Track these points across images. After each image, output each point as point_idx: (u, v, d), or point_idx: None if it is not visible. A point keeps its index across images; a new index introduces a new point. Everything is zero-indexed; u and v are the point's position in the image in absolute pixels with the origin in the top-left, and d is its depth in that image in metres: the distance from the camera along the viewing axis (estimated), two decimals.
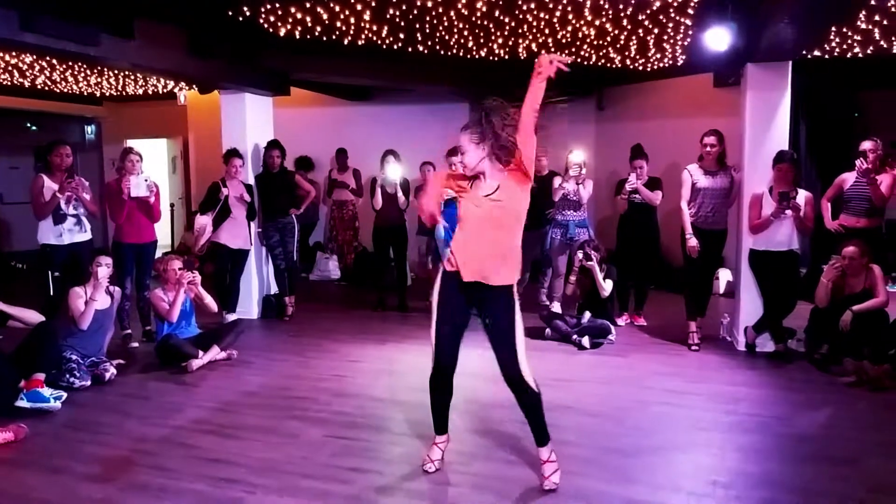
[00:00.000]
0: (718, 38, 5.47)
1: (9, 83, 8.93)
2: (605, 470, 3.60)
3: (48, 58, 7.44)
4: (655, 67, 7.97)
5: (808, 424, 4.32)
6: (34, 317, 4.88)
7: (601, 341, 6.07)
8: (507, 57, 7.51)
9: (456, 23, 6.23)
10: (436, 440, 3.63)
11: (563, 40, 6.74)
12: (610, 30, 6.33)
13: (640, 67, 7.98)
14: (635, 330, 6.70)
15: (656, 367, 5.46)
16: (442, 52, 7.34)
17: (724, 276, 7.95)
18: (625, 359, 5.73)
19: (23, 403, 4.45)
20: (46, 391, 4.57)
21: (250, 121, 7.46)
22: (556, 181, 7.09)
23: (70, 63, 7.92)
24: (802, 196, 5.56)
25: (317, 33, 6.50)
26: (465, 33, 6.60)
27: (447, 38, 6.75)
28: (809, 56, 6.60)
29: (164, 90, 10.18)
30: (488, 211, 3.23)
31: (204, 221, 6.80)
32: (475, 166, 3.28)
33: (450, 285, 3.33)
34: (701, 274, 6.08)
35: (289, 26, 6.30)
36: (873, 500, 3.30)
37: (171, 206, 11.78)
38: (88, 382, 4.99)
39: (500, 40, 6.85)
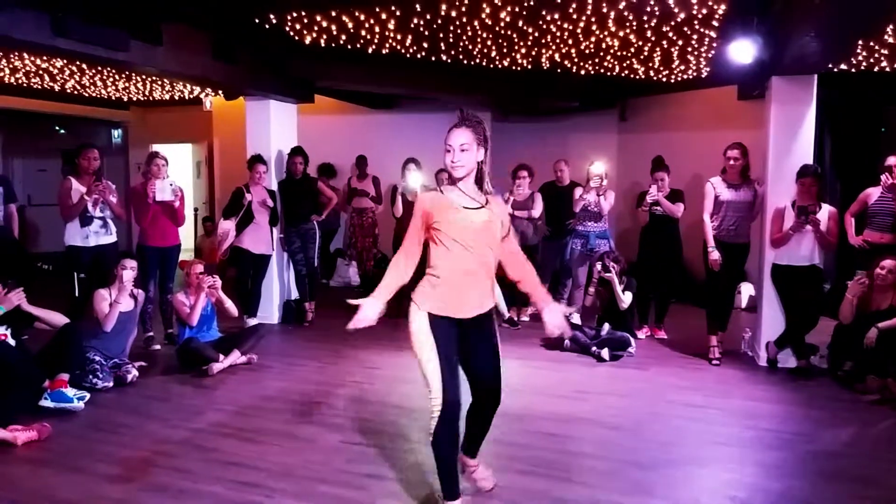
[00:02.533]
0: (743, 51, 5.44)
1: (39, 87, 9.09)
2: (623, 483, 3.58)
3: (78, 62, 7.56)
4: (679, 79, 7.94)
5: (829, 442, 4.26)
6: (59, 319, 4.96)
7: (621, 354, 6.04)
8: (529, 67, 7.52)
9: (479, 32, 6.25)
10: (469, 463, 3.40)
11: (587, 51, 6.74)
12: (634, 41, 6.33)
13: (664, 79, 7.96)
14: (655, 343, 6.66)
15: (676, 381, 5.42)
16: (465, 62, 7.37)
17: (747, 290, 7.88)
18: (644, 372, 5.69)
19: (47, 403, 4.52)
20: (70, 391, 4.64)
21: (274, 127, 7.54)
22: (577, 192, 7.08)
23: (99, 68, 8.04)
24: (826, 211, 5.51)
25: (342, 42, 6.56)
26: (489, 43, 6.62)
27: (470, 47, 6.78)
28: (835, 70, 6.54)
29: (191, 96, 10.30)
30: (479, 226, 2.97)
31: (227, 226, 6.87)
32: (470, 170, 2.99)
33: (441, 321, 3.00)
34: (723, 288, 6.03)
35: (314, 34, 6.35)
36: None
37: (196, 210, 11.91)
38: (111, 384, 5.06)
39: (523, 50, 6.86)
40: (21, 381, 4.42)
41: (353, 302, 3.05)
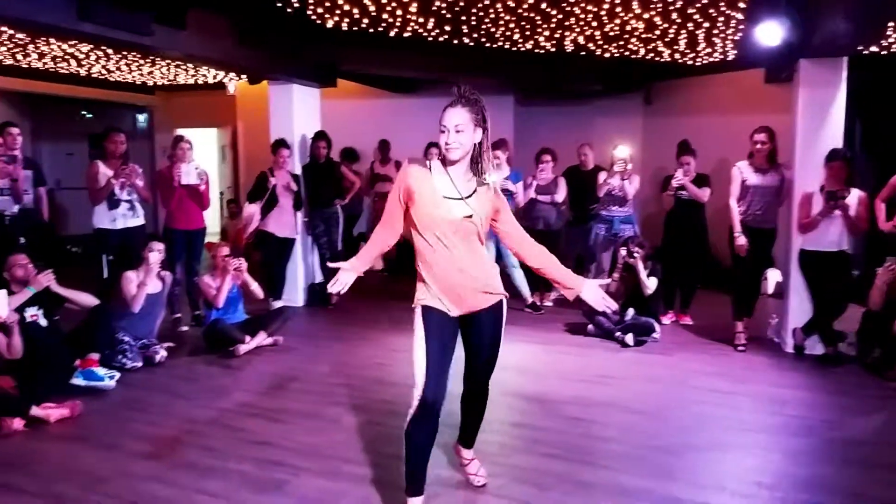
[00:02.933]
0: (771, 33, 5.35)
1: (66, 72, 9.18)
2: (647, 467, 3.58)
3: (103, 47, 7.62)
4: (705, 62, 7.83)
5: (857, 429, 4.22)
6: (89, 299, 5.06)
7: (645, 339, 6.01)
8: (553, 50, 7.46)
9: (502, 15, 6.21)
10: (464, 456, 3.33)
11: (611, 33, 6.67)
12: (659, 23, 6.25)
13: (690, 62, 7.85)
14: (680, 329, 6.62)
15: (701, 367, 5.39)
16: (487, 45, 7.33)
17: (773, 276, 7.78)
18: (669, 357, 5.67)
19: (78, 381, 4.62)
20: (101, 370, 4.73)
21: (298, 111, 7.56)
22: (602, 176, 7.04)
23: (124, 52, 8.10)
24: (855, 196, 5.42)
25: (363, 25, 6.55)
26: (512, 26, 6.58)
27: (493, 30, 6.74)
28: (866, 52, 6.41)
29: (215, 80, 10.34)
30: (465, 216, 2.79)
31: (252, 210, 6.93)
32: (466, 151, 2.79)
33: (434, 314, 2.88)
34: (749, 273, 5.97)
35: (336, 18, 6.35)
36: None
37: (221, 194, 11.99)
38: (140, 364, 5.15)
39: (546, 33, 6.80)
40: (52, 361, 4.51)
41: (333, 265, 3.00)
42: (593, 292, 2.93)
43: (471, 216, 2.79)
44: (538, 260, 3.02)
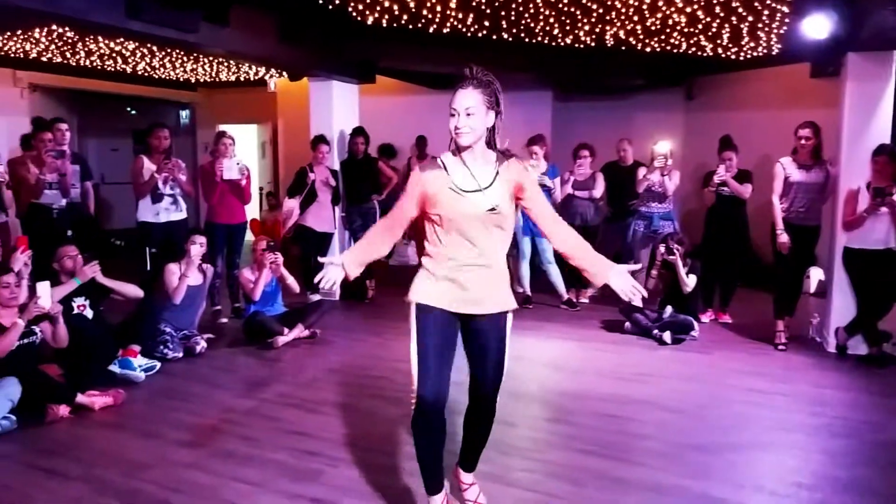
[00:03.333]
0: (817, 26, 5.24)
1: (112, 69, 9.40)
2: (684, 466, 3.55)
3: (149, 44, 7.79)
4: (749, 56, 7.68)
5: None
6: (134, 291, 5.21)
7: (683, 337, 5.94)
8: (593, 44, 7.39)
9: (542, 9, 6.17)
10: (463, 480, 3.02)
11: (653, 27, 6.58)
12: (702, 17, 6.15)
13: (733, 56, 7.71)
14: (719, 327, 6.52)
15: (740, 366, 5.31)
16: (527, 40, 7.29)
17: (816, 274, 7.64)
18: (707, 356, 5.59)
19: (114, 368, 4.73)
20: (137, 361, 4.85)
21: (337, 108, 7.64)
22: (641, 172, 6.97)
23: (168, 50, 8.27)
24: None
25: (403, 21, 6.56)
26: (551, 20, 6.53)
27: (532, 24, 6.70)
28: None
29: (255, 77, 10.50)
30: (484, 207, 2.57)
31: (292, 205, 7.02)
32: (479, 136, 2.60)
33: (431, 312, 2.68)
34: (791, 271, 5.87)
35: (376, 14, 6.38)
36: None
37: (260, 189, 12.16)
38: (181, 354, 5.25)
39: (586, 27, 6.74)
40: (97, 350, 4.63)
41: (322, 260, 2.85)
42: (621, 279, 2.64)
43: (495, 208, 2.59)
44: (566, 244, 2.74)
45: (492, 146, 2.65)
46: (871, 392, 4.78)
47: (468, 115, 2.55)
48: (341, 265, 2.76)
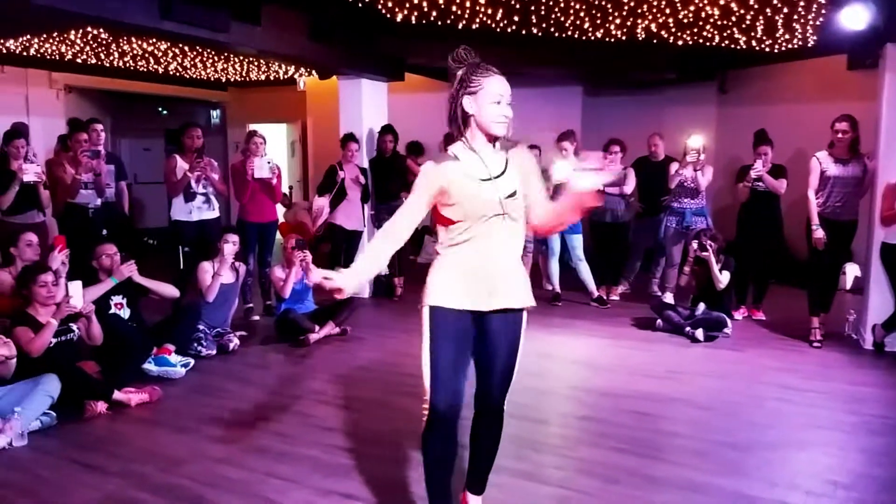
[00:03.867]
0: (856, 17, 5.14)
1: (144, 69, 9.54)
2: (718, 463, 3.50)
3: (180, 45, 7.89)
4: (783, 49, 7.55)
5: None
6: (170, 290, 5.29)
7: (716, 334, 5.87)
8: (624, 38, 7.32)
9: (572, 3, 6.14)
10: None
11: (685, 20, 6.51)
12: (735, 9, 6.06)
13: (767, 49, 7.59)
14: (753, 324, 6.43)
15: (774, 363, 5.23)
16: (556, 34, 7.25)
17: (852, 270, 7.50)
18: (740, 353, 5.52)
19: (150, 367, 4.80)
20: (174, 358, 4.91)
21: (366, 106, 7.66)
22: (673, 167, 6.88)
23: (200, 50, 8.37)
24: None
25: (432, 18, 6.57)
26: (581, 14, 6.49)
27: (562, 19, 6.66)
28: None
29: (285, 76, 10.57)
30: (506, 196, 2.44)
31: (322, 203, 7.06)
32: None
33: (447, 315, 2.48)
34: (827, 267, 5.77)
35: (405, 11, 6.39)
36: None
37: (290, 188, 12.25)
38: (214, 351, 5.32)
39: (617, 21, 6.69)
40: (133, 348, 4.70)
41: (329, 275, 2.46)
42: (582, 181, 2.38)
43: (514, 193, 2.45)
44: (552, 215, 2.57)
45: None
46: None
47: (509, 104, 2.44)
48: (348, 279, 2.46)
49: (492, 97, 2.42)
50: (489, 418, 2.61)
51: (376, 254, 2.57)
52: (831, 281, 5.94)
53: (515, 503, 3.09)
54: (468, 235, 2.45)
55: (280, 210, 7.04)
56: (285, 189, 11.10)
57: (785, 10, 6.01)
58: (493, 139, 2.48)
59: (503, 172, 2.46)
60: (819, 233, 5.55)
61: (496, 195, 2.42)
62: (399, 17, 6.56)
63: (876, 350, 5.49)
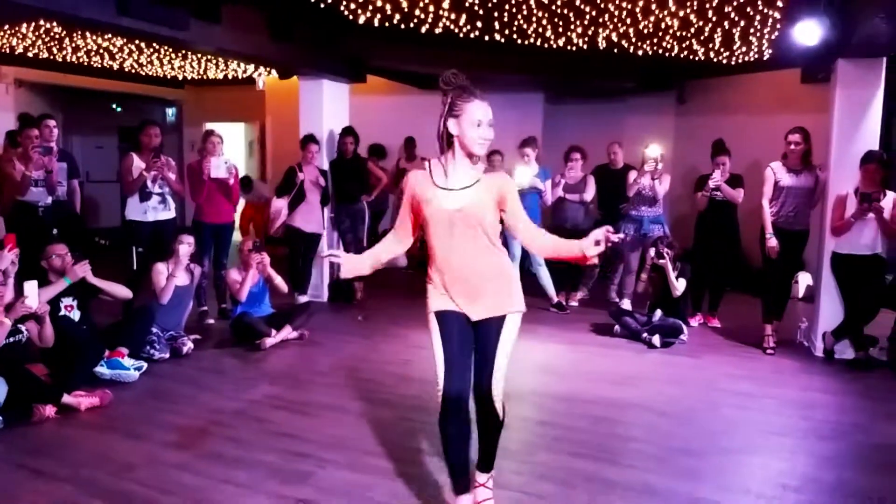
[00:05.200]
0: (809, 32, 5.26)
1: (99, 65, 9.32)
2: (673, 468, 3.55)
3: (137, 41, 7.73)
4: (740, 61, 7.73)
5: (887, 434, 4.14)
6: (123, 291, 5.15)
7: (672, 341, 5.95)
8: (585, 47, 7.41)
9: (535, 11, 6.18)
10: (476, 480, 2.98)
11: (645, 31, 6.61)
12: (694, 21, 6.17)
13: (725, 61, 7.75)
14: (708, 331, 6.55)
15: (728, 370, 5.33)
16: (519, 41, 7.29)
17: (804, 279, 7.69)
18: (696, 359, 5.61)
19: (102, 370, 4.67)
20: (127, 361, 4.78)
21: (327, 107, 7.60)
22: (632, 175, 6.97)
23: (156, 47, 8.21)
24: (890, 198, 5.33)
25: (395, 21, 6.55)
26: (544, 22, 6.54)
27: (525, 26, 6.71)
28: None
29: (244, 75, 10.44)
30: (461, 208, 2.70)
31: (280, 205, 6.98)
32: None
33: (447, 317, 2.82)
34: (780, 276, 5.91)
35: (368, 13, 6.36)
36: None
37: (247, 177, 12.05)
38: (167, 355, 5.20)
39: (579, 29, 6.76)
40: (84, 351, 4.56)
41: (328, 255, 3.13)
42: (592, 244, 2.80)
43: (461, 209, 2.69)
44: (547, 248, 2.94)
45: (474, 160, 2.77)
46: (858, 395, 4.81)
47: (490, 125, 2.71)
48: (359, 261, 3.01)
49: (472, 121, 2.69)
50: (480, 404, 2.85)
51: (381, 248, 3.01)
52: (784, 288, 6.08)
53: None
54: (437, 242, 2.77)
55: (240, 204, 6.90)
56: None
57: (742, 23, 6.14)
58: (475, 157, 2.75)
59: (465, 188, 2.72)
60: (772, 241, 5.68)
61: (447, 206, 2.71)
62: (362, 20, 6.53)
63: (826, 357, 5.63)
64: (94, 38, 7.63)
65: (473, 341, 2.84)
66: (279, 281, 5.94)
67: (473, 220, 2.72)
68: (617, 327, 6.20)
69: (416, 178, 2.83)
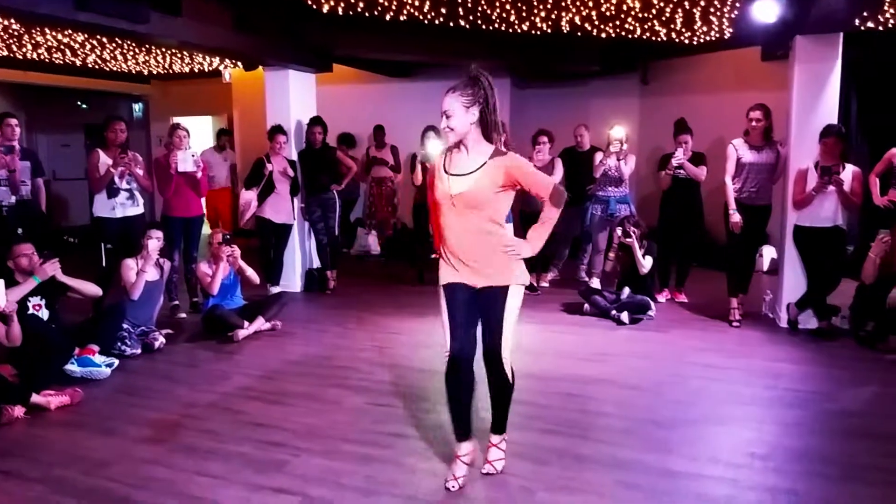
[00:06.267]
0: (767, 10, 5.35)
1: (61, 62, 9.17)
2: (643, 441, 3.63)
3: (99, 36, 7.62)
4: (702, 41, 7.82)
5: (850, 400, 4.27)
6: (92, 289, 5.11)
7: (640, 317, 6.05)
8: (549, 31, 7.45)
9: None
10: (458, 452, 3.21)
11: (608, 13, 6.66)
12: (655, 2, 6.24)
13: (686, 41, 7.84)
14: (676, 306, 6.66)
15: (696, 343, 5.43)
16: (483, 27, 7.31)
17: (768, 253, 7.84)
18: (664, 334, 5.71)
19: (73, 368, 4.63)
20: (98, 358, 4.76)
21: (294, 97, 7.56)
22: (598, 157, 7.05)
23: (119, 42, 8.10)
24: (849, 171, 5.44)
25: (359, 9, 6.54)
26: (507, 7, 6.57)
27: (489, 11, 6.73)
28: (862, 28, 6.40)
29: (210, 68, 10.34)
30: (460, 192, 2.95)
31: (249, 196, 6.94)
32: (463, 132, 2.94)
33: (453, 288, 3.10)
34: (744, 250, 6.02)
35: (332, 2, 6.34)
36: None
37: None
38: (139, 351, 5.18)
39: (542, 13, 6.79)
40: (52, 350, 4.53)
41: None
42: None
43: (461, 193, 2.95)
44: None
45: (490, 139, 3.00)
46: (821, 364, 4.93)
47: (447, 116, 2.93)
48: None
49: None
50: (490, 366, 3.11)
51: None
52: (748, 263, 6.19)
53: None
54: (443, 221, 3.05)
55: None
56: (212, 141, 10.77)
57: (702, 3, 6.22)
58: (486, 142, 2.99)
59: (469, 173, 2.95)
60: (736, 217, 5.78)
61: (449, 190, 2.97)
62: (326, 8, 6.50)
63: (790, 328, 5.76)
64: (54, 34, 7.52)
65: (478, 311, 3.09)
66: (251, 273, 5.93)
67: (473, 203, 2.95)
68: (587, 306, 6.28)
69: (438, 156, 3.14)
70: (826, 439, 3.68)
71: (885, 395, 4.37)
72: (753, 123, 5.78)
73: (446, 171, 3.02)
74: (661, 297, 6.76)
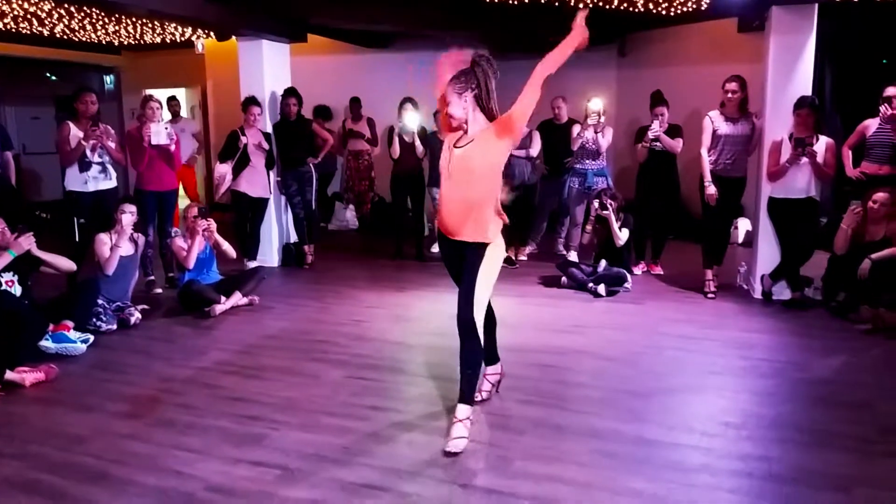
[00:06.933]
0: None
1: (28, 32, 8.93)
2: (618, 410, 3.67)
3: (66, 5, 7.42)
4: (679, 12, 7.78)
5: (822, 370, 4.35)
6: (66, 264, 5.02)
7: (617, 289, 6.10)
8: (527, 2, 7.37)
9: None
10: (485, 371, 3.73)
11: None
12: None
13: (663, 12, 7.80)
14: (652, 278, 6.72)
15: (672, 315, 5.50)
16: None
17: (744, 225, 7.91)
18: (640, 306, 5.77)
19: (48, 344, 4.57)
20: (73, 334, 4.70)
21: (268, 68, 7.44)
22: (575, 129, 7.03)
23: (87, 11, 7.89)
24: (823, 142, 5.49)
25: None
26: None
27: None
28: None
29: (182, 39, 10.11)
30: (456, 163, 3.26)
31: (224, 170, 6.86)
32: (461, 118, 3.26)
33: (443, 240, 3.46)
34: (719, 222, 6.07)
35: None
36: (884, 440, 3.34)
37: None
38: (115, 326, 5.14)
39: None
40: (26, 326, 4.46)
41: None
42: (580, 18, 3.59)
43: (463, 157, 3.23)
44: (554, 57, 3.51)
45: (487, 113, 3.27)
46: (794, 334, 5.02)
47: (447, 104, 3.25)
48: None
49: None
50: (460, 326, 3.25)
51: None
52: (723, 235, 6.25)
53: (426, 458, 3.16)
54: (443, 185, 3.35)
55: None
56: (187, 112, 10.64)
57: None
58: (485, 119, 3.29)
59: (462, 146, 3.25)
60: (711, 189, 5.81)
61: (451, 157, 3.28)
62: None
63: (764, 299, 5.84)
64: (20, 2, 7.30)
65: (460, 263, 3.36)
66: (227, 247, 5.88)
67: (466, 171, 3.23)
68: (564, 279, 6.32)
69: (449, 138, 3.39)
70: (798, 407, 3.75)
71: (856, 364, 4.46)
72: (729, 95, 5.79)
73: (449, 146, 3.32)
74: (638, 270, 6.81)
